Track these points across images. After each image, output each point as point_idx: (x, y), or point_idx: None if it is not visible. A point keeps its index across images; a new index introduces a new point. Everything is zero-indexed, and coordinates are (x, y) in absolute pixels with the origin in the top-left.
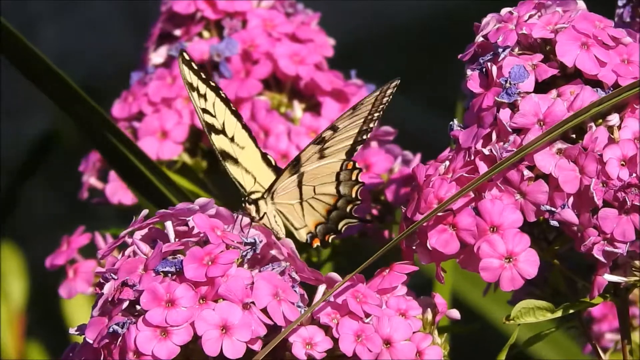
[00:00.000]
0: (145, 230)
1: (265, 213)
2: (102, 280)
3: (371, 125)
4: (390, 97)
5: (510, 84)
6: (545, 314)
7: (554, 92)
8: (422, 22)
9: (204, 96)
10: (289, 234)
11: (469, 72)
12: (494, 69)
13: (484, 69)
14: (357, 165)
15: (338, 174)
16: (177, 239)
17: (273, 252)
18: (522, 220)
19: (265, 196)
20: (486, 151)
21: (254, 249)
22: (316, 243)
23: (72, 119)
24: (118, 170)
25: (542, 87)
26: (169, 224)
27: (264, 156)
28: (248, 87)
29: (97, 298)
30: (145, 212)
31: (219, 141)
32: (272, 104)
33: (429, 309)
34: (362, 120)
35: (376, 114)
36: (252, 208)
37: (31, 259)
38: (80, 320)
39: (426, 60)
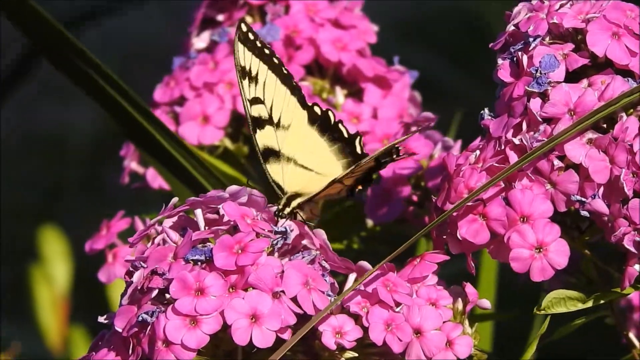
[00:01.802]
0: (175, 218)
1: (298, 213)
2: (131, 269)
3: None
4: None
5: (540, 73)
6: (577, 304)
7: (584, 82)
8: (464, 8)
9: (256, 78)
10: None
11: (499, 61)
12: (525, 58)
13: (514, 58)
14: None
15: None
16: (207, 227)
17: (305, 242)
18: (553, 210)
19: (302, 203)
20: (516, 141)
21: (284, 238)
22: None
23: (103, 107)
24: (149, 154)
25: (572, 77)
26: (198, 212)
27: (311, 114)
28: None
29: (127, 286)
30: (175, 199)
31: (262, 137)
32: (314, 89)
33: (459, 299)
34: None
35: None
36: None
37: (75, 242)
38: None
39: (469, 47)
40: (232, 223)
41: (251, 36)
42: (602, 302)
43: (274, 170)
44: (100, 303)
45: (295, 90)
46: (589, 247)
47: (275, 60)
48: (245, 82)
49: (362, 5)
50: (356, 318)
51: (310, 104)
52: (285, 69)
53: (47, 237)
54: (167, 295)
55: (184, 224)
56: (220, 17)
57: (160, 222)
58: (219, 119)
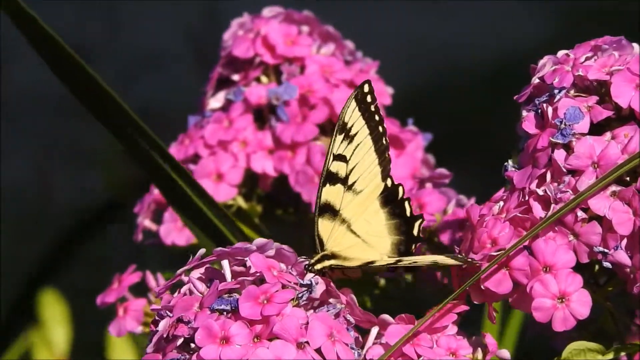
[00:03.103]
0: (202, 270)
1: (326, 273)
2: (157, 317)
3: None
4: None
5: (565, 125)
6: (596, 355)
7: (608, 135)
8: (482, 68)
9: (352, 137)
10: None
11: (524, 113)
12: (550, 110)
13: (539, 110)
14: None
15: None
16: (233, 279)
17: (331, 300)
18: (575, 260)
19: (333, 266)
20: (540, 192)
21: (310, 291)
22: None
23: (130, 153)
24: (177, 207)
25: (596, 129)
26: (225, 263)
27: (387, 189)
28: (305, 131)
29: (151, 335)
30: (202, 251)
31: (328, 193)
32: (327, 149)
33: (479, 349)
34: None
35: None
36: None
37: (75, 306)
38: None
39: (488, 108)
40: (258, 275)
41: (369, 99)
42: (622, 354)
43: (324, 226)
44: None
45: (384, 162)
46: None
47: (380, 129)
48: (340, 137)
49: (377, 67)
50: None
51: (388, 183)
52: (386, 140)
53: (47, 300)
54: (192, 345)
55: (210, 276)
56: (236, 77)
57: (187, 273)
58: (233, 176)
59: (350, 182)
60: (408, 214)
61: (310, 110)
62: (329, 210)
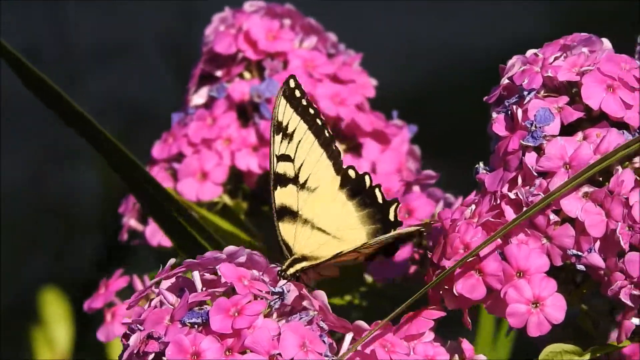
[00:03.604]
0: (173, 280)
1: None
2: (128, 332)
3: None
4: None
5: (535, 127)
6: (573, 357)
7: (579, 135)
8: (465, 62)
9: (291, 135)
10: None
11: (494, 114)
12: (520, 112)
13: (509, 112)
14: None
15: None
16: (204, 288)
17: (305, 303)
18: (549, 264)
19: (305, 267)
20: (512, 195)
21: (281, 299)
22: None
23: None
24: (157, 220)
25: (568, 130)
26: (195, 274)
27: (344, 178)
28: None
29: (123, 350)
30: (172, 261)
31: (281, 195)
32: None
33: (456, 355)
34: None
35: None
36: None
37: (76, 303)
38: None
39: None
40: (229, 284)
41: (298, 93)
42: (598, 355)
43: (286, 229)
44: None
45: (333, 155)
46: (584, 299)
47: (319, 122)
48: (278, 137)
49: (361, 59)
50: None
51: (345, 168)
52: (329, 132)
53: (48, 299)
54: (164, 359)
55: (181, 285)
56: (219, 73)
57: (157, 284)
58: (217, 175)
59: (301, 180)
60: (380, 200)
61: None
62: (288, 213)
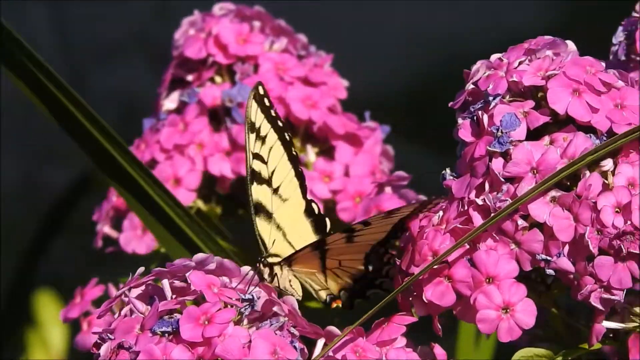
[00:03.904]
0: (142, 288)
1: (275, 276)
2: (99, 341)
3: (399, 234)
4: (430, 210)
5: (501, 132)
6: None
7: (546, 139)
8: (439, 60)
9: (263, 139)
10: (307, 293)
11: (460, 120)
12: (485, 117)
13: (475, 118)
14: (391, 253)
15: (367, 255)
16: (174, 296)
17: (275, 308)
18: (518, 270)
19: (282, 264)
20: (479, 201)
21: (252, 306)
22: (337, 304)
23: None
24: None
25: (534, 134)
26: (165, 282)
27: (309, 206)
28: None
29: (94, 359)
30: (140, 269)
31: (258, 192)
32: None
33: None
34: (398, 220)
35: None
36: (265, 270)
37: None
38: None
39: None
40: (199, 292)
41: (267, 102)
42: (569, 358)
43: (262, 226)
44: None
45: (300, 175)
46: (555, 301)
47: (287, 137)
48: (252, 135)
49: (331, 60)
50: None
51: (309, 200)
52: (295, 151)
53: (43, 301)
54: None
55: (151, 293)
56: (190, 77)
57: (127, 292)
58: (191, 180)
59: (274, 185)
60: (328, 230)
61: None
62: (263, 211)
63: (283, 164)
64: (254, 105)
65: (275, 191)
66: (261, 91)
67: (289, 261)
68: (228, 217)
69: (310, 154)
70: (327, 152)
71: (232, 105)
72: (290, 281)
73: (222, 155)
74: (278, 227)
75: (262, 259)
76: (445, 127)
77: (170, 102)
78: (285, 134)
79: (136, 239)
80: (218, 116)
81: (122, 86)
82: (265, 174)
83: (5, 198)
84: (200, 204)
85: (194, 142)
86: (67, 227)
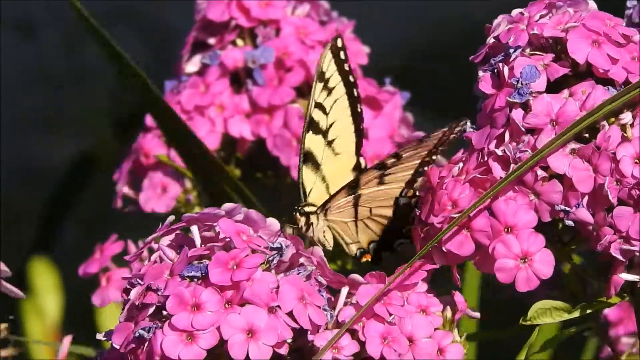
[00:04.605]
0: (172, 236)
1: (311, 225)
2: (128, 286)
3: (433, 157)
4: (458, 134)
5: (522, 84)
6: (562, 314)
7: (565, 92)
8: (457, 29)
9: (330, 90)
10: (337, 246)
11: (480, 73)
12: (506, 69)
13: (495, 70)
14: (416, 194)
15: (397, 199)
16: (203, 245)
17: (302, 260)
18: (537, 220)
19: (318, 212)
20: (499, 152)
21: (280, 254)
22: (366, 259)
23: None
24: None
25: (553, 87)
26: (194, 229)
27: (358, 164)
28: (281, 94)
29: (124, 304)
30: (171, 218)
31: (311, 141)
32: (305, 112)
33: (448, 307)
34: (426, 152)
35: (441, 148)
36: (302, 219)
37: (66, 273)
38: None
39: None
40: (227, 240)
41: (342, 55)
42: (588, 312)
43: (308, 176)
44: (92, 335)
45: (359, 132)
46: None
47: (355, 92)
48: (320, 85)
49: (354, 27)
50: (352, 332)
51: (359, 162)
52: (360, 108)
53: (38, 269)
54: (165, 312)
55: (180, 242)
56: (212, 41)
57: (157, 240)
58: (211, 141)
59: (329, 138)
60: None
61: (287, 73)
62: (311, 161)
63: (344, 118)
64: (328, 55)
65: (330, 143)
66: (339, 44)
67: (324, 209)
68: (246, 182)
69: None
70: None
71: (254, 66)
72: (324, 232)
73: (242, 117)
74: (323, 179)
75: (299, 208)
76: (462, 98)
77: (192, 65)
78: (355, 90)
79: (155, 198)
80: (239, 79)
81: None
82: (323, 124)
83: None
84: None
85: (214, 104)
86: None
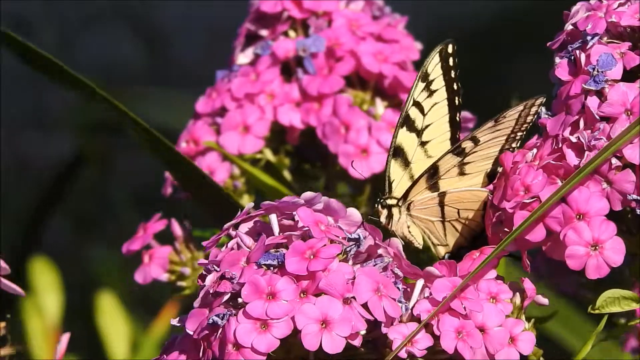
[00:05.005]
0: (250, 224)
1: (391, 219)
2: (204, 272)
3: (514, 145)
4: (534, 116)
5: (598, 71)
6: (631, 303)
7: None
8: (488, 24)
9: (432, 93)
10: (426, 247)
11: (557, 59)
12: (582, 56)
13: (572, 57)
14: None
15: (485, 203)
16: (281, 233)
17: (380, 251)
18: (609, 208)
19: (400, 204)
20: (573, 139)
21: (357, 245)
22: None
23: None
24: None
25: (630, 76)
26: (273, 217)
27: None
28: (331, 83)
29: (199, 289)
30: (250, 204)
31: (403, 137)
32: (355, 101)
33: (517, 294)
34: (504, 138)
35: (519, 133)
36: (383, 212)
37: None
38: (115, 334)
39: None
40: (305, 229)
41: (451, 62)
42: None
43: (395, 169)
44: (92, 333)
45: (454, 139)
46: None
47: (457, 101)
48: (421, 84)
49: (406, 22)
50: (426, 326)
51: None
52: (459, 117)
53: (38, 268)
54: (239, 300)
55: (259, 230)
56: (264, 32)
57: (235, 227)
58: (259, 129)
59: (424, 139)
60: None
61: (337, 63)
62: (401, 156)
63: (442, 123)
64: (436, 58)
65: (423, 144)
66: (450, 49)
67: (406, 202)
68: (294, 173)
69: (379, 107)
70: (396, 107)
71: (305, 55)
72: (409, 227)
73: (292, 106)
74: (411, 177)
75: (381, 200)
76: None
77: (244, 57)
78: (457, 98)
79: None
80: (290, 69)
81: (102, 55)
82: (419, 124)
83: None
84: (269, 154)
85: (264, 92)
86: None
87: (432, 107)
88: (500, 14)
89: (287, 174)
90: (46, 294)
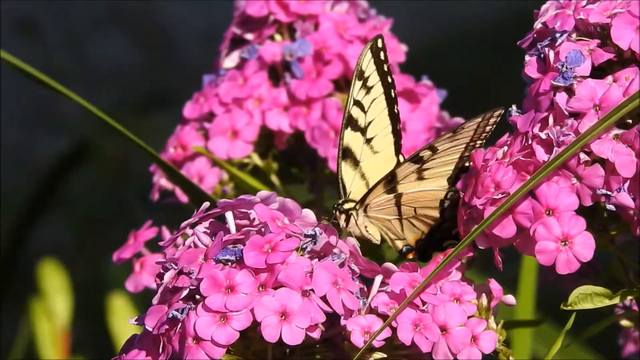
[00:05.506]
0: (207, 224)
1: (349, 222)
2: (162, 270)
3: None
4: (494, 126)
5: (566, 68)
6: (603, 300)
7: (609, 78)
8: (490, 25)
9: (369, 89)
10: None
11: (527, 58)
12: (551, 54)
13: (541, 55)
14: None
15: (442, 201)
16: (237, 231)
17: (335, 250)
18: (578, 203)
19: (357, 208)
20: (543, 135)
21: (314, 242)
22: (412, 256)
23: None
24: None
25: (598, 73)
26: (229, 214)
27: (399, 165)
28: (319, 87)
29: (157, 287)
30: (206, 204)
31: (349, 138)
32: (343, 105)
33: (483, 295)
34: (464, 146)
35: (478, 142)
36: (341, 217)
37: (75, 275)
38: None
39: (495, 63)
40: (262, 226)
41: (382, 56)
42: (629, 298)
43: (346, 172)
44: (102, 335)
45: (396, 132)
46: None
47: (392, 93)
48: (359, 83)
49: (391, 25)
50: (384, 318)
51: (403, 157)
52: (397, 109)
53: (47, 271)
54: (197, 297)
55: (215, 230)
56: (250, 36)
57: (192, 226)
58: (248, 133)
59: (368, 136)
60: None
61: (325, 66)
62: (351, 157)
63: (382, 118)
64: (368, 55)
65: (368, 141)
66: (379, 44)
67: (363, 205)
68: (282, 177)
69: None
70: None
71: (292, 60)
72: (366, 227)
73: (280, 110)
74: (363, 176)
75: (338, 205)
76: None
77: (229, 61)
78: (392, 91)
79: None
80: (277, 73)
81: (100, 60)
82: (362, 122)
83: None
84: (257, 159)
85: (252, 96)
86: (65, 197)
87: (371, 103)
88: (504, 15)
89: (274, 179)
90: (55, 296)
